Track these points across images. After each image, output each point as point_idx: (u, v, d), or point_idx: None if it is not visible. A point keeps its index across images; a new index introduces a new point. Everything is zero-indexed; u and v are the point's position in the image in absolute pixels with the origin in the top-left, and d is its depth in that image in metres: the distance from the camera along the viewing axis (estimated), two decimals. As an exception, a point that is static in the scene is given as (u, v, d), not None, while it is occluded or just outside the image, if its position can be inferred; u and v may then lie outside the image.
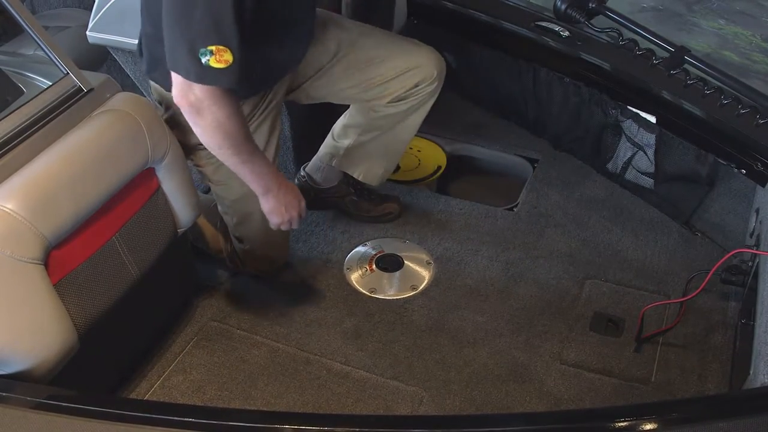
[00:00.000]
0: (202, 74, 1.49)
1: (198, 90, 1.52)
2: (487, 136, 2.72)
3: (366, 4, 2.29)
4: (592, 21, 1.90)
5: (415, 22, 2.79)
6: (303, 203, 1.85)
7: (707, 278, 1.82)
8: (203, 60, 1.46)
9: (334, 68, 1.97)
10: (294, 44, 1.83)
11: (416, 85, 2.00)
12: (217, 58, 1.47)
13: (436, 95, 2.07)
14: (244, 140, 1.65)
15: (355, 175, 2.21)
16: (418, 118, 2.09)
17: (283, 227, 1.85)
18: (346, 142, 2.15)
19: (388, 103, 2.02)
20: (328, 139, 2.22)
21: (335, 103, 2.11)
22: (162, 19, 1.51)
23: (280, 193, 1.78)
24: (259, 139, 1.84)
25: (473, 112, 2.84)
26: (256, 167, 1.71)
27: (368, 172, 2.19)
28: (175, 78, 1.54)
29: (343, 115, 2.17)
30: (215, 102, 1.54)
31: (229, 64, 1.48)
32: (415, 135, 2.71)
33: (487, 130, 2.75)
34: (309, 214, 2.33)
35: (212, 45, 1.46)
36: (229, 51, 1.47)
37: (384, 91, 2.00)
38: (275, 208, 1.80)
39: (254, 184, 1.75)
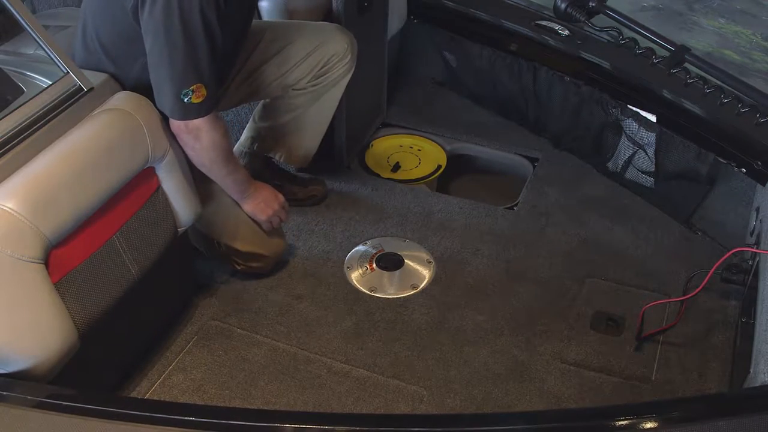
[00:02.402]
0: (185, 112, 1.71)
1: (195, 124, 1.73)
2: (488, 135, 2.72)
3: (357, 1, 2.29)
4: (592, 20, 1.90)
5: (415, 21, 2.80)
6: (280, 197, 2.04)
7: (707, 277, 1.82)
8: (185, 100, 1.69)
9: (250, 65, 2.08)
10: (239, 54, 2.02)
11: (329, 61, 2.10)
12: (197, 95, 1.69)
13: (351, 71, 2.17)
14: (232, 153, 1.89)
15: (276, 157, 2.29)
16: (335, 95, 2.19)
17: (273, 223, 2.03)
18: (266, 124, 2.23)
19: (307, 83, 2.11)
20: (250, 123, 2.30)
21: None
22: (143, 55, 1.70)
23: (257, 194, 1.99)
24: None
25: (473, 111, 2.84)
26: (238, 176, 1.92)
27: (289, 154, 2.28)
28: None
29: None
30: (212, 126, 1.76)
31: (205, 97, 1.71)
32: (416, 134, 2.73)
33: (487, 129, 2.74)
34: (309, 214, 2.34)
35: (193, 85, 1.68)
36: (203, 86, 1.70)
37: (299, 72, 2.09)
38: (256, 208, 1.99)
39: (235, 192, 1.96)
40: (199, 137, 1.76)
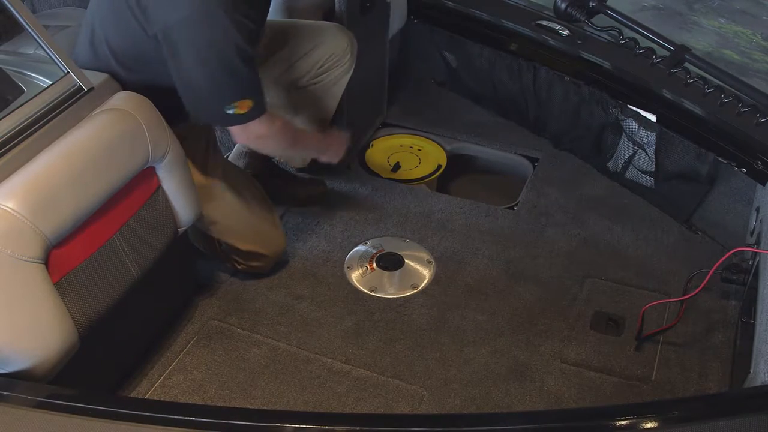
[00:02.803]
0: (234, 120, 1.73)
1: (253, 126, 1.74)
2: (488, 135, 2.72)
3: (360, 2, 2.29)
4: (592, 20, 1.90)
5: (415, 21, 2.80)
6: (344, 133, 2.10)
7: (707, 277, 1.82)
8: (230, 111, 1.69)
9: None
10: None
11: (328, 60, 2.10)
12: (239, 107, 1.69)
13: (351, 70, 2.16)
14: (295, 131, 1.95)
15: (276, 157, 2.30)
16: (335, 94, 2.18)
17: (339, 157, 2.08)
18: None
19: (307, 82, 2.11)
20: None
21: None
22: (174, 73, 1.68)
23: (315, 143, 2.06)
24: (198, 149, 1.92)
25: (473, 111, 2.84)
26: (307, 141, 2.03)
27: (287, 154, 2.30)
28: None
29: None
30: (269, 125, 1.77)
31: (250, 107, 1.70)
32: (416, 134, 2.73)
33: (488, 129, 2.75)
34: (309, 214, 2.34)
35: (235, 101, 1.68)
36: (248, 100, 1.70)
37: (298, 72, 2.10)
38: (328, 156, 2.06)
39: (313, 152, 2.10)
40: (264, 139, 1.81)
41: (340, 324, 1.99)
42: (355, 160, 2.61)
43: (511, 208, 2.40)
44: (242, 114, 1.70)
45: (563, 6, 1.91)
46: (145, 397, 1.78)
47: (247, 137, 1.80)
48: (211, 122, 1.80)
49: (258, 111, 1.72)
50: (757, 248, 1.84)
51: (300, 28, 2.12)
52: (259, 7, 1.78)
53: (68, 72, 1.59)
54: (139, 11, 1.64)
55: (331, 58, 2.11)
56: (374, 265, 2.18)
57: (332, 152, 2.06)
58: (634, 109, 2.29)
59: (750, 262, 1.90)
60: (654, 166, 2.31)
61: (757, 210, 2.02)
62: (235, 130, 1.78)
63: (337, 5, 2.20)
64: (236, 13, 1.61)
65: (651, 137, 2.26)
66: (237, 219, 2.01)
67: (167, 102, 1.73)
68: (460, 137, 2.71)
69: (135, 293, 1.68)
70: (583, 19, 1.90)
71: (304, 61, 2.09)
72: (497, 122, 2.78)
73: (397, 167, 2.59)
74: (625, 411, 1.21)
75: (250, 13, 1.66)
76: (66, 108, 1.55)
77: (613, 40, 1.96)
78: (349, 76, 2.18)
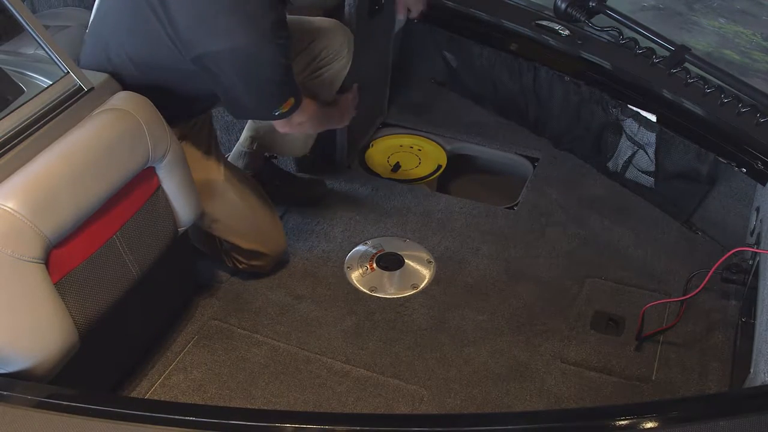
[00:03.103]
0: (280, 117, 1.83)
1: (295, 117, 1.85)
2: (488, 135, 2.72)
3: (369, 5, 2.29)
4: (592, 20, 1.90)
5: (415, 21, 2.79)
6: (349, 100, 2.21)
7: (708, 277, 1.82)
8: (277, 113, 1.80)
9: None
10: None
11: (327, 54, 2.11)
12: (284, 107, 1.79)
13: (347, 67, 2.18)
14: (322, 110, 2.04)
15: (276, 153, 2.33)
16: (333, 89, 2.19)
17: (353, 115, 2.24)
18: (265, 122, 2.22)
19: (304, 78, 2.10)
20: (250, 122, 2.30)
21: None
22: (219, 91, 1.76)
23: (335, 115, 2.15)
24: (200, 148, 1.95)
25: (474, 111, 2.84)
26: (330, 116, 2.12)
27: (287, 147, 2.31)
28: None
29: None
30: (307, 113, 1.91)
31: (293, 104, 1.80)
32: (416, 134, 2.73)
33: (488, 129, 2.74)
34: (309, 214, 2.34)
35: (282, 104, 1.77)
36: (291, 99, 1.79)
37: (296, 67, 2.07)
38: (345, 120, 2.21)
39: (332, 125, 2.19)
40: (302, 125, 1.93)
41: (340, 324, 1.99)
42: (355, 160, 2.61)
43: (512, 208, 2.40)
44: (287, 111, 1.80)
45: (563, 6, 1.91)
46: (146, 397, 1.78)
47: (291, 127, 1.91)
48: (258, 119, 2.05)
49: (298, 103, 1.83)
50: (757, 248, 1.84)
51: (298, 24, 2.12)
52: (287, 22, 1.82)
53: (68, 72, 1.59)
54: (172, 30, 1.65)
55: (329, 53, 2.12)
56: (374, 265, 2.18)
57: (347, 115, 2.21)
58: (634, 109, 2.28)
59: (750, 262, 1.89)
60: (654, 166, 2.31)
61: (757, 210, 2.02)
62: (278, 123, 1.90)
63: (346, 8, 2.20)
64: (277, 38, 1.66)
65: (651, 137, 2.26)
66: (239, 218, 2.01)
67: (171, 101, 1.73)
68: (460, 137, 2.71)
69: (135, 293, 1.68)
70: (583, 19, 1.90)
71: (302, 56, 2.09)
72: (497, 122, 2.78)
73: (397, 167, 2.59)
74: (625, 411, 1.21)
75: (286, 33, 1.70)
76: (66, 108, 1.55)
77: (613, 40, 1.96)
78: (346, 71, 2.18)
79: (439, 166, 2.61)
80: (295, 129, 1.95)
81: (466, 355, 1.89)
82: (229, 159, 2.29)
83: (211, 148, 2.00)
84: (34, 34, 1.57)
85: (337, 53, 2.12)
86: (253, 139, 2.28)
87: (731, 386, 1.76)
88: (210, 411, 1.37)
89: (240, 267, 2.08)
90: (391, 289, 2.10)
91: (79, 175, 1.48)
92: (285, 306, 2.04)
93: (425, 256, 2.21)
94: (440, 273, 2.15)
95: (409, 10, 2.41)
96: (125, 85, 1.70)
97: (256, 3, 1.61)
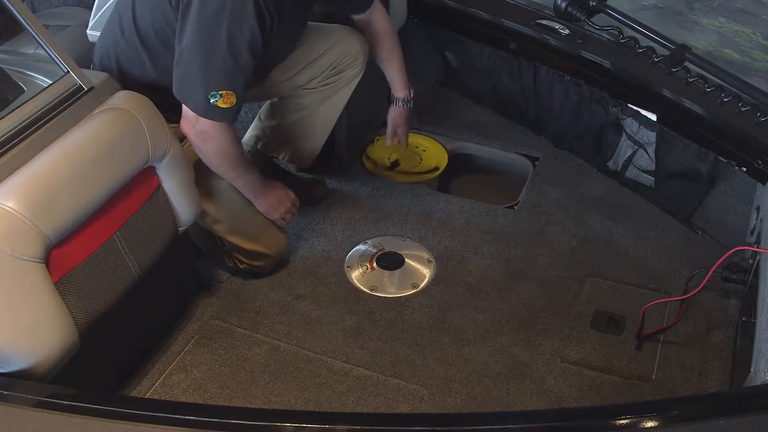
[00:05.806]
0: (209, 111, 1.72)
1: (204, 123, 1.75)
2: (488, 135, 2.72)
3: None
4: (592, 19, 1.90)
5: (416, 21, 2.79)
6: (291, 194, 2.08)
7: (708, 276, 1.82)
8: (212, 101, 1.70)
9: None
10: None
11: (342, 61, 2.11)
12: (225, 100, 1.70)
13: (361, 74, 2.18)
14: (241, 158, 1.91)
15: (281, 157, 2.29)
16: (344, 95, 2.20)
17: (286, 219, 2.09)
18: (272, 123, 2.23)
19: (318, 83, 2.12)
20: (256, 122, 2.30)
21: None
22: (174, 45, 1.70)
23: (269, 194, 2.02)
24: None
25: (474, 111, 2.84)
26: (249, 177, 1.95)
27: (294, 154, 2.28)
28: (184, 109, 1.76)
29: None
30: (220, 132, 1.78)
31: (233, 105, 1.72)
32: (417, 133, 2.73)
33: (488, 129, 2.74)
34: (309, 214, 2.34)
35: (223, 90, 1.69)
36: (235, 95, 1.71)
37: (311, 73, 2.11)
38: (270, 207, 2.03)
39: (247, 192, 1.99)
40: (206, 141, 1.79)
41: (340, 323, 1.99)
42: (356, 160, 2.61)
43: (512, 207, 2.40)
44: (221, 108, 1.71)
45: (563, 5, 1.91)
46: (146, 396, 1.78)
47: (195, 133, 1.77)
48: (191, 103, 1.73)
49: (233, 114, 1.75)
50: (758, 247, 1.84)
51: (314, 31, 2.12)
52: (286, 17, 1.79)
53: (68, 71, 1.59)
54: None
55: (345, 60, 2.13)
56: (374, 264, 2.18)
57: (277, 208, 2.04)
58: (635, 108, 2.29)
59: (750, 261, 1.89)
60: (654, 165, 2.31)
61: (758, 209, 2.02)
62: (189, 115, 1.75)
63: None
64: (263, 14, 1.65)
65: (651, 136, 2.26)
66: (241, 218, 2.01)
67: (171, 101, 1.73)
68: (460, 136, 2.71)
69: (135, 293, 1.68)
70: (583, 18, 1.90)
71: (317, 63, 2.10)
72: (497, 121, 2.78)
73: (395, 165, 2.59)
74: (625, 410, 1.21)
75: (274, 12, 1.68)
76: (66, 107, 1.55)
77: (613, 40, 1.96)
78: (359, 79, 2.19)
79: (440, 166, 2.61)
80: (194, 142, 1.80)
81: (466, 355, 1.89)
82: None
83: None
84: (34, 34, 1.57)
85: (353, 60, 2.14)
86: (258, 138, 2.27)
87: (731, 385, 1.76)
88: (210, 410, 1.37)
89: (241, 267, 2.08)
90: (391, 289, 2.10)
91: (79, 175, 1.48)
92: (285, 305, 2.04)
93: (425, 255, 2.21)
94: (440, 272, 2.15)
95: (395, 132, 2.36)
96: (131, 58, 1.72)
97: None
